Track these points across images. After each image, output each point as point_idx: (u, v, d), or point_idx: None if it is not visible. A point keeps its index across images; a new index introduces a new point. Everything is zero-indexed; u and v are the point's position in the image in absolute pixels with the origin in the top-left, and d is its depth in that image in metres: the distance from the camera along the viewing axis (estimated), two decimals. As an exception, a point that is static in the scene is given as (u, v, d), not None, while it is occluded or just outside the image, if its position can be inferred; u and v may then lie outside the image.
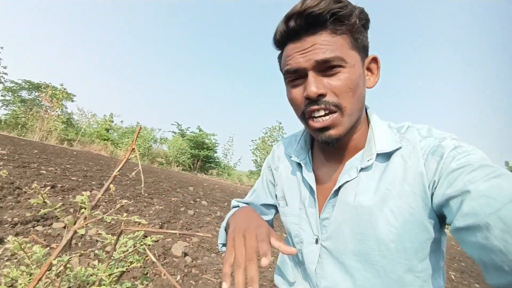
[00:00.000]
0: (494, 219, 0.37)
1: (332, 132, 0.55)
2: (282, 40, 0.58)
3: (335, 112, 0.54)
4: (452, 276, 3.30)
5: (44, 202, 0.68)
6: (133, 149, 0.75)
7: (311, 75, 0.53)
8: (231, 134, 21.53)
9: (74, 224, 0.69)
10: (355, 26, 0.54)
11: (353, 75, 0.53)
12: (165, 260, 2.03)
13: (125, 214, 0.74)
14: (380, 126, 0.62)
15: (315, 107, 0.54)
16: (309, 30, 0.53)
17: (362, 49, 0.57)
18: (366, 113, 0.65)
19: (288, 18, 0.54)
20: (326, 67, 0.53)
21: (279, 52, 0.63)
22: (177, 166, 16.63)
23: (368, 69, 0.60)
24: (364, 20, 0.56)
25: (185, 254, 2.24)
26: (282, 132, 16.30)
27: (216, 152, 19.20)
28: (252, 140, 17.78)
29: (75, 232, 0.68)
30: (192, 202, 4.94)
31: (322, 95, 0.54)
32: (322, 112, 0.55)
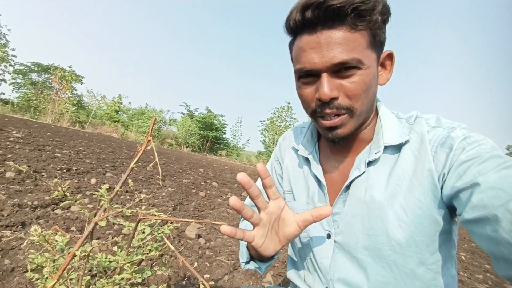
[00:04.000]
0: (503, 211, 0.37)
1: (340, 131, 0.56)
2: (296, 29, 0.55)
3: (345, 114, 0.54)
4: (462, 256, 3.32)
5: (65, 195, 0.69)
6: (149, 140, 0.75)
7: (325, 76, 0.51)
8: (240, 115, 21.51)
9: (95, 216, 0.70)
10: (376, 23, 0.50)
11: (367, 77, 0.51)
12: (179, 243, 2.08)
13: (143, 207, 0.74)
14: (388, 118, 0.60)
15: (328, 111, 0.54)
16: (326, 23, 0.49)
17: (379, 45, 0.54)
18: (376, 105, 0.63)
19: (305, 7, 0.50)
20: (341, 69, 0.51)
21: (290, 38, 0.59)
22: (187, 147, 16.82)
23: (382, 64, 0.57)
24: (386, 15, 0.52)
25: (199, 236, 2.30)
26: (290, 112, 16.10)
27: (225, 133, 19.27)
28: (261, 121, 17.70)
29: (96, 224, 0.69)
30: (203, 183, 5.02)
31: (335, 98, 0.52)
32: (333, 115, 0.54)
